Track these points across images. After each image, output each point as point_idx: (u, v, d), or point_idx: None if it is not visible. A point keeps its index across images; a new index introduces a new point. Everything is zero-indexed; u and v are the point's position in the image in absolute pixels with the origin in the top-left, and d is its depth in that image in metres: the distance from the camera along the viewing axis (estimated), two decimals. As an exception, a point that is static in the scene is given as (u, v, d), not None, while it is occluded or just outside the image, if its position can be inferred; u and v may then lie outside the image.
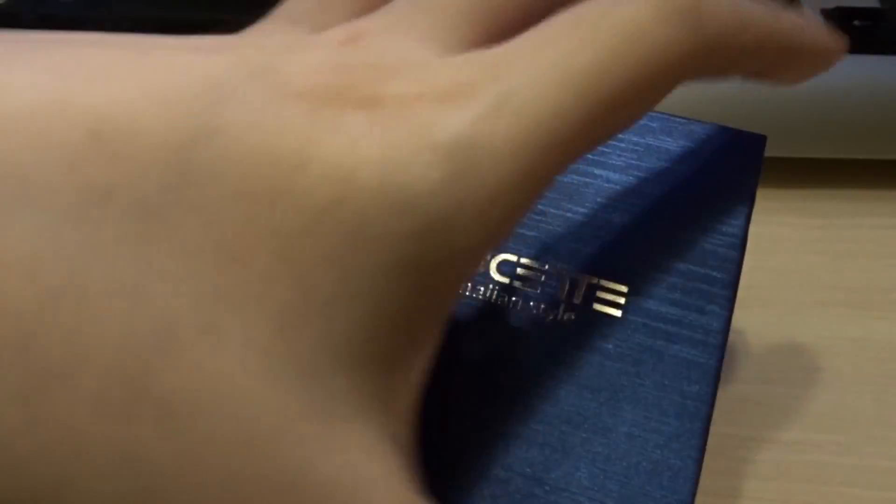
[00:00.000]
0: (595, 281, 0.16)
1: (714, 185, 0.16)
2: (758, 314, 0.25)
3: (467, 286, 0.16)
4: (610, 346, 0.15)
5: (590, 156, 0.17)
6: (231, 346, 0.08)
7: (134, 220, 0.08)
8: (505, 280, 0.16)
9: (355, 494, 0.09)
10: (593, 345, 0.15)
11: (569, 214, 0.16)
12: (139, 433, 0.08)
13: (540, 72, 0.10)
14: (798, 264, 0.26)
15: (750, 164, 0.17)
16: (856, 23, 0.27)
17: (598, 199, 0.16)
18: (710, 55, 0.12)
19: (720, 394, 0.22)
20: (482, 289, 0.16)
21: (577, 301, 0.15)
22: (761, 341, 0.24)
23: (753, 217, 0.27)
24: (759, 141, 0.17)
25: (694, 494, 0.14)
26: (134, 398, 0.08)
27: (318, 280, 0.09)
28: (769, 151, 0.27)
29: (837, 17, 0.28)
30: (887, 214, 0.27)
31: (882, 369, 0.23)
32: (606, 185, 0.17)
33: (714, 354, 0.15)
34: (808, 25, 0.13)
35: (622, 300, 0.15)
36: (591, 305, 0.15)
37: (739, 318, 0.24)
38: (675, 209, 0.16)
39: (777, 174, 0.28)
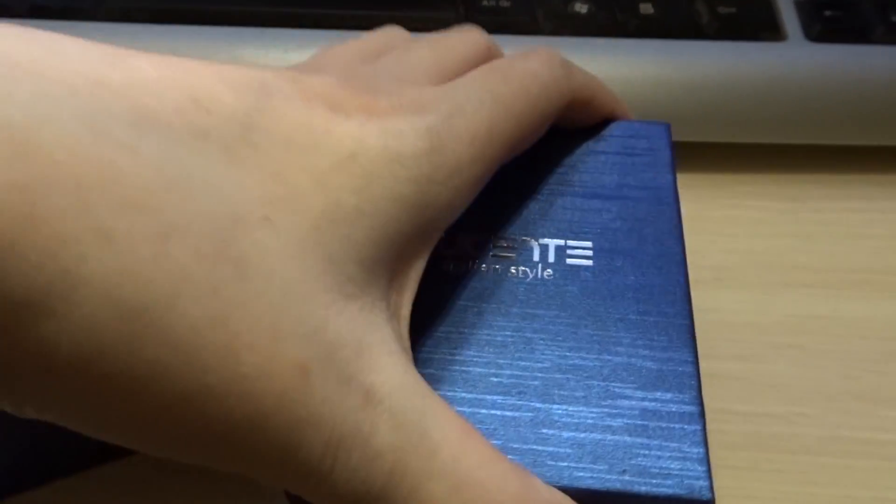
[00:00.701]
0: (562, 243, 0.18)
1: (637, 157, 0.20)
2: (730, 293, 0.26)
3: (457, 263, 0.18)
4: (592, 289, 0.17)
5: (537, 155, 0.20)
6: (280, 233, 0.12)
7: (220, 150, 0.12)
8: (485, 255, 0.18)
9: (358, 352, 0.13)
10: (577, 291, 0.17)
11: (526, 197, 0.19)
12: (222, 275, 0.11)
13: (477, 96, 0.16)
14: (768, 246, 0.27)
15: (662, 138, 0.20)
16: (826, 13, 0.28)
17: (547, 185, 0.19)
18: (575, 95, 0.19)
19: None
20: (466, 265, 0.18)
21: (551, 260, 0.18)
22: (733, 319, 0.25)
23: (725, 201, 0.28)
24: (665, 124, 0.21)
25: (699, 389, 0.16)
26: (220, 251, 0.12)
27: (344, 200, 0.13)
28: (743, 137, 0.28)
29: (809, 8, 0.29)
30: (854, 198, 0.28)
31: (847, 346, 0.25)
32: (552, 173, 0.20)
33: (679, 278, 0.18)
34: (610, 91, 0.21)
35: (590, 253, 0.18)
36: (565, 261, 0.18)
37: (713, 297, 0.26)
38: (610, 180, 0.20)
39: (748, 159, 0.29)
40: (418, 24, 0.28)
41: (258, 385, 0.12)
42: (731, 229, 0.27)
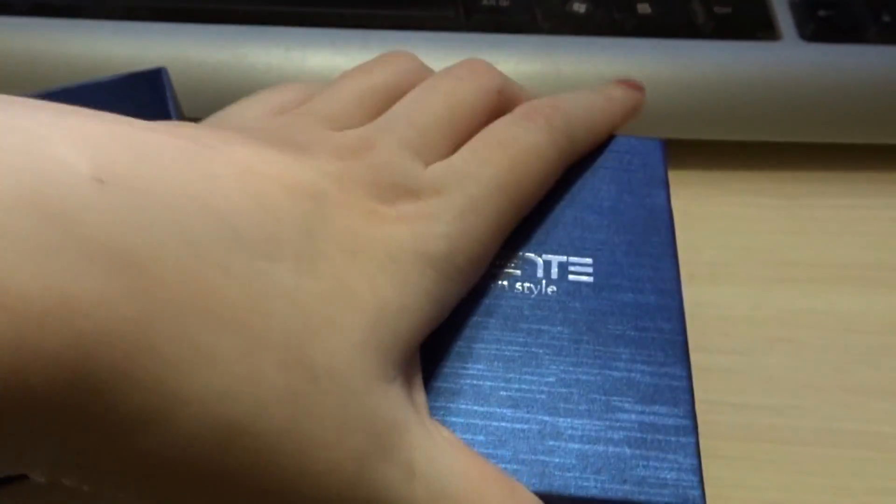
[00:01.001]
0: (564, 259, 0.19)
1: (632, 174, 0.21)
2: (725, 288, 0.26)
3: None
4: (593, 306, 0.18)
5: None
6: (343, 334, 0.14)
7: (290, 258, 0.14)
8: (492, 270, 0.19)
9: (400, 431, 0.14)
10: (579, 307, 0.18)
11: (531, 214, 0.20)
12: (299, 381, 0.13)
13: (487, 188, 0.17)
14: (763, 241, 0.27)
15: (656, 155, 0.21)
16: (820, 13, 0.29)
17: (547, 200, 0.20)
18: (577, 151, 0.20)
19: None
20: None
21: (554, 276, 0.19)
22: (729, 314, 0.26)
23: (720, 198, 0.29)
24: (659, 142, 0.22)
25: (693, 403, 0.17)
26: (296, 359, 0.13)
27: (390, 299, 0.15)
28: (738, 135, 0.29)
29: (803, 8, 0.29)
30: (847, 195, 0.29)
31: (840, 339, 0.25)
32: (556, 191, 0.20)
33: (674, 297, 0.19)
34: (623, 98, 0.22)
35: (590, 269, 0.19)
36: (568, 277, 0.19)
37: (708, 292, 0.26)
38: (607, 196, 0.20)
39: (743, 156, 0.29)
40: (419, 23, 0.29)
41: (326, 478, 0.13)
42: (726, 225, 0.28)
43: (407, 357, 0.15)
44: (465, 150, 0.18)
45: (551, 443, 0.16)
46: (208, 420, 0.12)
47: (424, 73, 0.20)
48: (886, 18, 0.29)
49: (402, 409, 0.15)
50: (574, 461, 0.16)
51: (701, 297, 0.26)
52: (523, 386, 0.17)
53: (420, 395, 0.16)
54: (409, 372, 0.16)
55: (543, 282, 0.19)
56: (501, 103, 0.19)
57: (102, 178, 0.12)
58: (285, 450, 0.13)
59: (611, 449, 0.16)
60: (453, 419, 0.17)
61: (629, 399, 0.17)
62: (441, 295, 0.16)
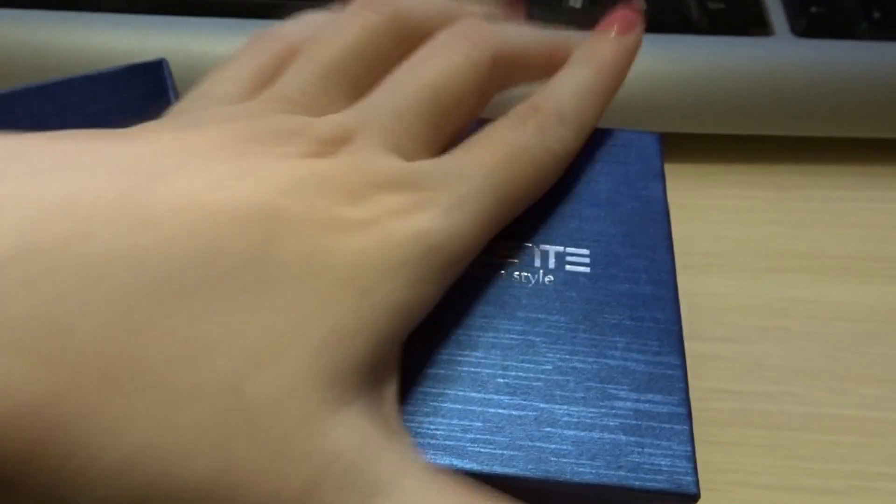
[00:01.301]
0: (562, 249, 0.19)
1: (629, 167, 0.21)
2: (719, 278, 0.27)
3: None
4: (589, 295, 0.18)
5: None
6: (285, 369, 0.13)
7: (232, 295, 0.13)
8: (491, 259, 0.19)
9: (360, 450, 0.13)
10: (576, 296, 0.18)
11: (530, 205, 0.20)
12: (232, 424, 0.12)
13: (477, 183, 0.16)
14: (755, 233, 0.28)
15: (653, 149, 0.21)
16: (812, 9, 0.29)
17: (548, 195, 0.20)
18: (571, 151, 0.19)
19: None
20: (473, 268, 0.19)
21: (552, 266, 0.19)
22: (722, 303, 0.26)
23: (714, 190, 0.29)
24: (656, 135, 0.22)
25: (687, 392, 0.17)
26: (230, 403, 0.12)
27: (343, 320, 0.14)
28: (732, 129, 0.29)
29: (795, 4, 0.30)
30: (838, 187, 0.29)
31: (830, 328, 0.26)
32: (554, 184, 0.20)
33: (670, 287, 0.19)
34: (614, 60, 0.21)
35: (587, 260, 0.19)
36: (565, 267, 0.19)
37: (702, 282, 0.27)
38: (604, 189, 0.20)
39: (737, 150, 0.30)
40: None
41: None
42: (719, 217, 0.28)
43: (369, 376, 0.14)
44: (456, 149, 0.17)
45: (548, 429, 0.16)
46: (125, 481, 0.12)
47: (400, 22, 0.19)
48: (877, 15, 0.29)
49: (361, 431, 0.14)
50: (570, 447, 0.16)
51: (695, 286, 0.26)
52: (520, 373, 0.17)
53: (391, 409, 0.15)
54: (375, 388, 0.15)
55: (541, 271, 0.19)
56: (498, 71, 0.19)
57: (29, 251, 0.11)
58: (216, 495, 0.12)
59: (606, 436, 0.16)
60: (451, 405, 0.17)
61: (624, 387, 0.17)
62: (410, 303, 0.15)
